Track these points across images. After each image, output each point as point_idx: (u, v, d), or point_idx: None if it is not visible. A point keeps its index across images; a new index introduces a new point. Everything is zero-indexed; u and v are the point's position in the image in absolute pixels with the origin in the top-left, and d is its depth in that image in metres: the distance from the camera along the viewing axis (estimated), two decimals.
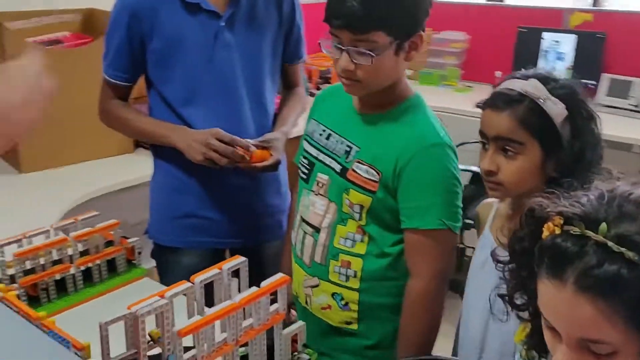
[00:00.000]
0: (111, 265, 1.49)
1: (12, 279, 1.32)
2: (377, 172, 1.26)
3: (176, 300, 1.01)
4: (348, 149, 1.30)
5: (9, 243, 1.37)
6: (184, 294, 1.04)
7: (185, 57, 1.50)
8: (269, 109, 1.61)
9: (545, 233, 0.74)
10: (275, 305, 1.09)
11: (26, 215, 1.89)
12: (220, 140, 1.46)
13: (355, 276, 1.32)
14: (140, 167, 2.22)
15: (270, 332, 1.11)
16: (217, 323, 0.99)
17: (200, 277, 1.06)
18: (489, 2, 3.88)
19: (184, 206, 1.60)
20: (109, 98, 1.60)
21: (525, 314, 0.88)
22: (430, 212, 1.23)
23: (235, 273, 1.12)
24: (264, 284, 1.07)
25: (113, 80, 1.57)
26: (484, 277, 1.15)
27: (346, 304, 1.34)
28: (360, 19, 1.16)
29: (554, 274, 0.71)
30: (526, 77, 1.11)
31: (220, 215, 1.59)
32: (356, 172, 1.28)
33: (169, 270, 1.66)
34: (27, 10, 2.30)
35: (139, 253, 1.53)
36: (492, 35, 3.71)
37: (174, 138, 1.52)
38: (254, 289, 1.05)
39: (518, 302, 0.88)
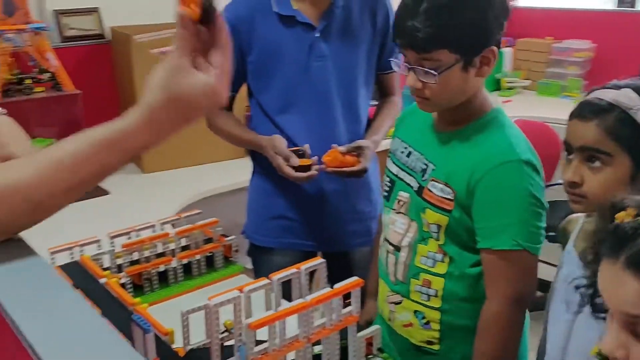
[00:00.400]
0: (210, 261, 1.58)
1: (120, 268, 1.45)
2: (452, 191, 1.23)
3: (256, 297, 1.07)
4: (425, 166, 1.29)
5: (120, 235, 1.50)
6: (262, 290, 1.09)
7: (282, 67, 1.57)
8: (361, 117, 1.65)
9: (616, 221, 0.77)
10: (349, 308, 1.12)
11: (146, 211, 2.06)
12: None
13: (436, 295, 1.30)
14: (250, 171, 2.35)
15: (345, 334, 1.14)
16: (293, 321, 1.03)
17: (278, 275, 1.11)
18: (618, 8, 3.66)
19: (276, 208, 1.67)
20: None
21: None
22: (504, 232, 1.19)
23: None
24: (337, 285, 1.10)
25: None
26: (566, 295, 1.10)
27: (427, 322, 1.32)
28: (422, 38, 1.15)
29: (610, 253, 0.76)
30: (618, 87, 1.05)
31: (310, 218, 1.64)
32: (431, 191, 1.26)
33: (262, 268, 1.75)
34: (154, 23, 2.50)
35: (236, 251, 1.61)
36: (620, 43, 3.49)
37: (260, 149, 1.64)
38: (328, 289, 1.08)
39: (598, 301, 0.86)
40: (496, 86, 3.77)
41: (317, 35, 1.57)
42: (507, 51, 3.85)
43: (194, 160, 2.60)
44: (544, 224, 1.21)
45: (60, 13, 2.58)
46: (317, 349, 1.11)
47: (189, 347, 1.02)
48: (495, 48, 1.19)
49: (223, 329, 1.00)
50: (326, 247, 1.68)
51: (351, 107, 1.62)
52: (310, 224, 1.65)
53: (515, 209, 1.18)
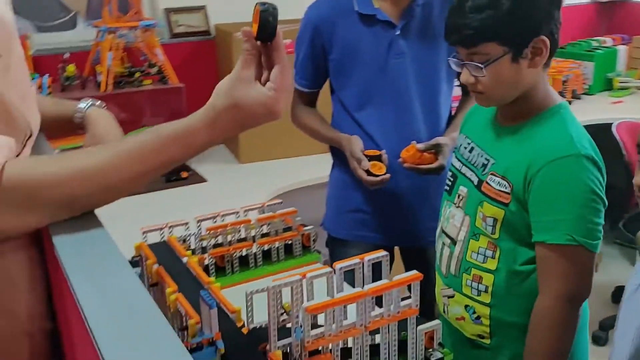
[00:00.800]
0: (288, 249, 1.66)
1: (204, 250, 1.55)
2: (509, 184, 1.23)
3: (322, 284, 1.12)
4: (486, 161, 1.30)
5: (206, 219, 1.60)
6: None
7: (361, 65, 1.61)
8: (441, 114, 1.65)
9: None
10: (408, 300, 1.14)
11: (239, 199, 2.17)
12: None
13: (486, 291, 1.30)
14: None
15: (404, 327, 1.17)
16: (352, 311, 1.07)
17: (341, 265, 1.16)
18: None
19: (353, 201, 1.72)
20: (297, 103, 1.80)
21: None
22: (559, 227, 1.17)
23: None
24: (396, 277, 1.13)
25: (299, 87, 1.76)
26: (636, 304, 1.06)
27: (478, 317, 1.33)
28: (469, 34, 1.18)
29: None
30: None
31: (386, 212, 1.67)
32: (490, 184, 1.27)
33: (338, 259, 1.79)
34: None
35: (314, 240, 1.68)
36: None
37: (345, 147, 1.69)
38: (385, 281, 1.11)
39: None
40: (608, 86, 3.58)
41: (397, 33, 1.59)
42: (621, 49, 3.65)
43: (287, 152, 2.69)
44: (602, 221, 1.18)
45: (170, 11, 2.76)
46: (377, 339, 1.15)
47: (252, 326, 1.09)
48: (545, 38, 1.19)
49: (282, 310, 1.06)
50: (402, 242, 1.71)
51: (431, 104, 1.63)
52: (386, 218, 1.68)
53: (572, 203, 1.17)
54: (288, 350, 1.05)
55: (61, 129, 1.19)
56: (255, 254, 1.61)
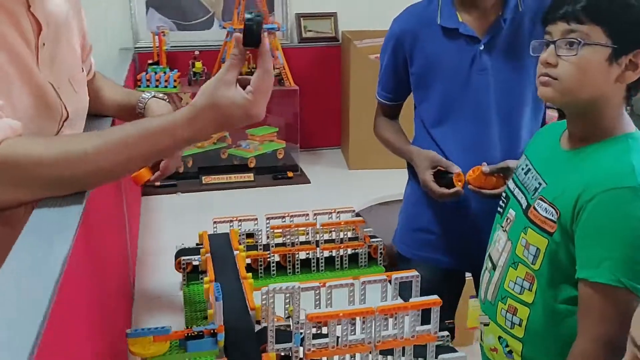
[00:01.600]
0: (354, 258, 1.65)
1: (266, 247, 1.60)
2: (557, 211, 1.12)
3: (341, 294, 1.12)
4: (538, 185, 1.19)
5: (275, 217, 1.65)
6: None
7: (441, 79, 1.56)
8: (522, 136, 1.54)
9: None
10: (427, 326, 1.10)
11: (336, 203, 2.20)
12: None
13: (520, 325, 1.20)
14: None
15: (423, 353, 1.12)
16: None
17: (363, 279, 1.14)
18: None
19: (420, 220, 1.66)
20: (378, 115, 1.78)
21: None
22: (605, 265, 1.04)
23: None
24: (413, 299, 1.09)
25: (381, 99, 1.74)
26: None
27: (510, 351, 1.22)
28: (582, 7, 1.08)
29: None
30: None
31: (452, 235, 1.60)
32: (536, 209, 1.16)
33: None
34: (382, 29, 2.63)
35: (381, 253, 1.65)
36: None
37: (411, 161, 1.65)
38: (400, 301, 1.08)
39: None
40: None
41: (481, 48, 1.52)
42: None
43: (398, 163, 2.65)
44: None
45: (301, 16, 2.85)
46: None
47: (264, 325, 1.10)
48: None
49: (287, 314, 1.07)
50: (467, 266, 1.62)
51: (511, 125, 1.53)
52: (455, 241, 1.61)
53: (622, 241, 1.03)
54: (290, 355, 1.06)
55: (128, 116, 1.30)
56: (318, 258, 1.63)
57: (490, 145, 1.54)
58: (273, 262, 1.60)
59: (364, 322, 1.05)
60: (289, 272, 1.61)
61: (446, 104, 1.57)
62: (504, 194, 1.32)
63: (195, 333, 1.02)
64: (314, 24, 2.88)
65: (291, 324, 1.05)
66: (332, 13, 2.89)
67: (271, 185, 2.51)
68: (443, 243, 1.63)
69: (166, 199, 2.37)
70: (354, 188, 2.49)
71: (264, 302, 1.10)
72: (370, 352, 1.07)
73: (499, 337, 1.25)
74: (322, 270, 1.63)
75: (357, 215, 2.27)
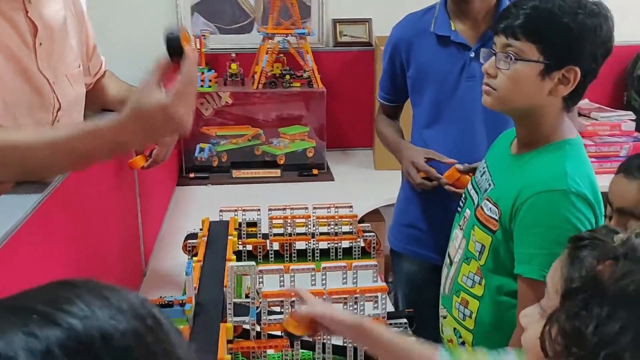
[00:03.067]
0: (349, 251, 1.77)
1: (265, 236, 1.74)
2: (499, 211, 1.21)
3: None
4: (488, 186, 1.28)
5: (277, 209, 1.79)
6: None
7: (433, 84, 1.66)
8: None
9: None
10: (374, 311, 1.21)
11: (354, 201, 2.31)
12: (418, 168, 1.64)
13: (470, 317, 1.28)
14: None
15: None
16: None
17: (324, 265, 1.27)
18: None
19: (408, 215, 1.76)
20: (379, 113, 1.90)
21: None
22: (535, 261, 1.13)
23: None
24: (361, 285, 1.20)
25: (380, 100, 1.86)
26: None
27: (463, 342, 1.31)
28: (517, 24, 1.16)
29: None
30: None
31: (437, 231, 1.68)
32: (482, 209, 1.25)
33: (395, 271, 1.86)
34: None
35: (374, 248, 1.76)
36: None
37: (395, 153, 1.76)
38: (351, 287, 1.19)
39: None
40: None
41: (472, 55, 1.60)
42: None
43: None
44: None
45: (337, 21, 2.98)
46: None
47: (235, 300, 1.24)
48: (578, 70, 1.13)
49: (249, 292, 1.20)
50: None
51: (496, 130, 1.60)
52: (438, 237, 1.69)
53: (550, 238, 1.11)
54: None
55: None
56: (314, 249, 1.76)
57: (475, 148, 1.62)
58: (271, 250, 1.74)
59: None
60: (286, 260, 1.75)
61: (436, 108, 1.67)
62: (463, 195, 1.41)
63: (166, 302, 1.17)
64: (349, 29, 3.00)
65: (249, 300, 1.18)
66: (367, 19, 3.00)
67: (296, 181, 2.65)
68: (429, 239, 1.72)
69: (198, 190, 2.55)
70: (375, 186, 2.59)
71: (228, 280, 1.24)
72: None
73: (454, 329, 1.34)
74: (317, 260, 1.75)
75: (361, 219, 2.38)
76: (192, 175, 2.64)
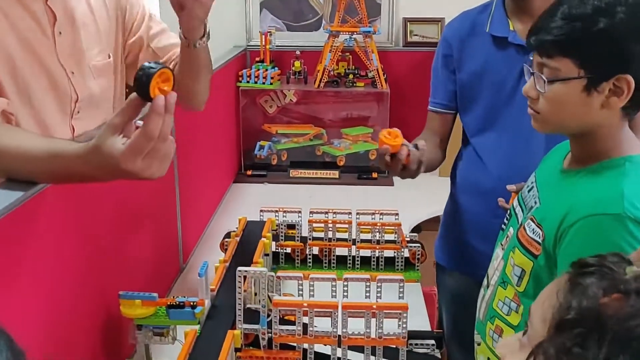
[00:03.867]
0: (390, 260, 1.67)
1: (304, 240, 1.68)
2: (542, 233, 1.05)
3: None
4: (533, 204, 1.13)
5: (319, 212, 1.72)
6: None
7: (487, 89, 1.51)
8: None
9: None
10: (396, 329, 1.11)
11: (407, 207, 2.21)
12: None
13: None
14: None
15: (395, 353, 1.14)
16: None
17: (348, 275, 1.19)
18: None
19: (455, 229, 1.63)
20: (423, 131, 1.76)
21: None
22: None
23: None
24: (382, 301, 1.11)
25: (430, 108, 1.72)
26: None
27: None
28: (547, 40, 1.02)
29: None
30: None
31: (483, 248, 1.55)
32: (525, 229, 1.10)
33: (439, 285, 1.73)
34: None
35: (418, 259, 1.66)
36: None
37: None
38: (373, 300, 1.11)
39: None
40: None
41: (531, 58, 1.46)
42: None
43: None
44: None
45: (408, 21, 2.87)
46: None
47: (248, 306, 1.19)
48: (630, 78, 0.98)
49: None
50: None
51: (556, 141, 1.46)
52: (484, 255, 1.56)
53: None
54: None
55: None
56: (354, 256, 1.67)
57: (530, 161, 1.47)
58: (310, 255, 1.68)
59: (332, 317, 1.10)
60: (325, 266, 1.68)
61: (490, 115, 1.53)
62: (508, 212, 1.27)
63: (177, 303, 1.13)
64: (420, 29, 2.89)
65: (259, 307, 1.12)
66: (439, 18, 2.87)
67: (354, 184, 2.57)
68: (475, 255, 1.60)
69: (254, 187, 2.53)
70: (434, 193, 2.45)
71: (238, 284, 1.18)
72: (337, 347, 1.11)
73: (488, 359, 1.22)
74: (357, 268, 1.67)
75: (418, 226, 2.27)
76: (249, 172, 2.62)
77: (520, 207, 1.21)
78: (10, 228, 0.87)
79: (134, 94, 0.85)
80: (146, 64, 0.84)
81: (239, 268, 1.10)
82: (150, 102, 0.84)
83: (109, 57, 1.32)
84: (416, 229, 2.31)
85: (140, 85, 0.83)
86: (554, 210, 1.06)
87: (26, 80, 1.12)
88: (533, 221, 1.11)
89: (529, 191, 1.20)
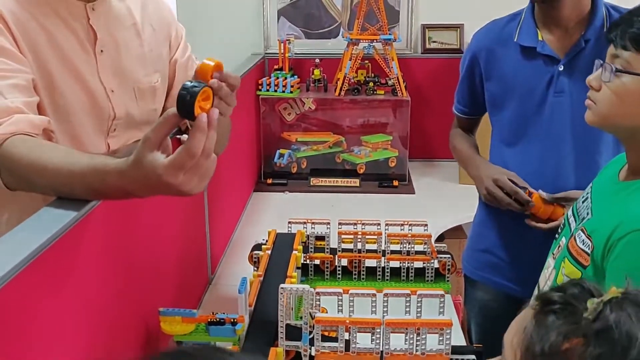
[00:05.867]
0: (420, 271, 1.66)
1: (334, 251, 1.67)
2: (592, 245, 1.05)
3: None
4: (586, 214, 1.12)
5: (348, 223, 1.71)
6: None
7: (517, 99, 1.51)
8: (600, 165, 1.44)
9: None
10: (440, 346, 1.10)
11: (429, 216, 2.20)
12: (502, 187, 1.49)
13: None
14: None
15: None
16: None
17: (386, 291, 1.18)
18: None
19: (484, 240, 1.62)
20: (454, 126, 1.77)
21: None
22: None
23: None
24: (427, 318, 1.10)
25: (456, 112, 1.73)
26: None
27: None
28: (627, 31, 1.03)
29: None
30: None
31: (515, 260, 1.53)
32: (575, 240, 1.09)
33: (468, 298, 1.72)
34: None
35: (449, 270, 1.64)
36: None
37: (470, 169, 1.62)
38: (413, 315, 1.10)
39: None
40: None
41: (560, 69, 1.45)
42: None
43: None
44: None
45: (427, 27, 2.87)
46: None
47: (288, 322, 1.18)
48: None
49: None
50: (530, 294, 1.55)
51: (587, 152, 1.44)
52: (516, 266, 1.54)
53: None
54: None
55: None
56: (384, 267, 1.66)
57: (561, 169, 1.47)
58: (339, 266, 1.67)
59: (373, 333, 1.09)
60: (354, 278, 1.67)
61: (519, 125, 1.53)
62: (563, 221, 1.26)
63: (217, 320, 1.12)
64: (439, 35, 2.88)
65: (301, 323, 1.11)
66: (458, 25, 2.87)
67: (375, 193, 2.56)
68: (506, 267, 1.58)
69: (274, 196, 2.52)
70: (456, 202, 2.45)
71: (280, 300, 1.18)
72: None
73: None
74: (387, 279, 1.66)
75: (441, 235, 2.26)
76: (269, 180, 2.61)
77: (574, 216, 1.20)
78: (63, 248, 0.87)
79: (170, 111, 0.87)
80: (188, 83, 0.86)
81: (282, 286, 1.09)
82: (193, 120, 0.85)
83: (156, 82, 1.30)
84: (439, 237, 2.30)
85: (183, 104, 0.84)
86: (605, 223, 1.05)
87: (65, 96, 1.13)
88: (583, 232, 1.10)
89: (583, 202, 1.19)
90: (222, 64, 0.96)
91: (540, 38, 1.49)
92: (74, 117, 1.15)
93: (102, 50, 1.18)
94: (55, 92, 1.12)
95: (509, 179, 1.49)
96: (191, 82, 0.87)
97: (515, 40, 1.52)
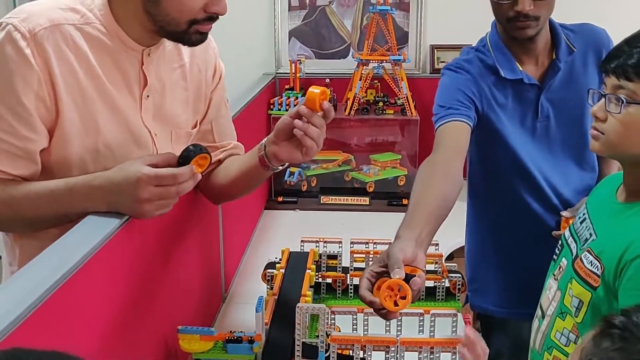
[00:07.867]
0: (431, 290, 1.68)
1: (345, 270, 1.69)
2: (601, 266, 1.07)
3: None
4: (589, 236, 1.15)
5: (360, 242, 1.73)
6: None
7: (505, 129, 1.57)
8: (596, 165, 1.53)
9: None
10: None
11: (445, 233, 2.22)
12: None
13: None
14: None
15: None
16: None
17: (403, 310, 1.20)
18: None
19: (487, 260, 1.66)
20: (436, 149, 1.76)
21: None
22: None
23: None
24: (439, 336, 1.12)
25: (442, 120, 1.69)
26: None
27: None
28: (629, 64, 1.06)
29: None
30: None
31: (495, 280, 1.58)
32: (582, 261, 1.12)
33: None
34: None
35: (459, 289, 1.67)
36: None
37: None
38: (426, 334, 1.12)
39: None
40: None
41: (543, 94, 1.53)
42: None
43: None
44: None
45: (435, 47, 2.91)
46: None
47: (303, 340, 1.20)
48: None
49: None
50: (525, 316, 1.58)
51: (584, 160, 1.52)
52: (497, 287, 1.59)
53: None
54: None
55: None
56: None
57: (565, 186, 1.53)
58: (351, 285, 1.69)
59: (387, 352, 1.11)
60: None
61: (519, 152, 1.58)
62: (560, 242, 1.29)
63: (235, 338, 1.14)
64: (447, 56, 2.92)
65: (318, 342, 1.13)
66: (466, 45, 2.90)
67: (385, 211, 2.58)
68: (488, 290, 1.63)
69: (285, 215, 2.55)
70: (463, 220, 2.47)
71: (298, 319, 1.20)
72: None
73: None
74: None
75: (451, 254, 2.27)
76: (280, 199, 2.65)
77: (573, 237, 1.22)
78: (89, 271, 0.90)
79: (170, 153, 1.08)
80: (192, 146, 1.08)
81: (299, 305, 1.12)
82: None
83: (195, 127, 1.32)
84: (449, 256, 2.32)
85: (186, 159, 1.07)
86: (614, 244, 1.08)
87: (112, 137, 1.14)
88: (590, 253, 1.12)
89: (581, 222, 1.22)
90: (327, 90, 1.19)
91: (521, 69, 1.57)
92: (121, 161, 1.11)
93: (147, 96, 1.19)
94: (104, 134, 1.13)
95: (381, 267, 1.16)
96: (198, 145, 1.09)
97: (502, 75, 1.56)
